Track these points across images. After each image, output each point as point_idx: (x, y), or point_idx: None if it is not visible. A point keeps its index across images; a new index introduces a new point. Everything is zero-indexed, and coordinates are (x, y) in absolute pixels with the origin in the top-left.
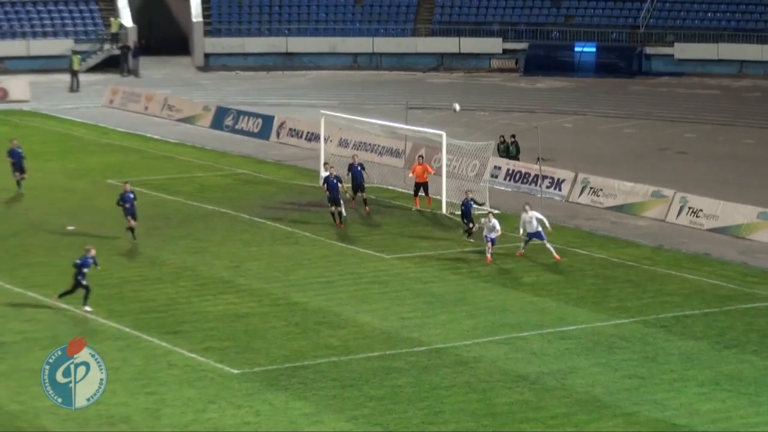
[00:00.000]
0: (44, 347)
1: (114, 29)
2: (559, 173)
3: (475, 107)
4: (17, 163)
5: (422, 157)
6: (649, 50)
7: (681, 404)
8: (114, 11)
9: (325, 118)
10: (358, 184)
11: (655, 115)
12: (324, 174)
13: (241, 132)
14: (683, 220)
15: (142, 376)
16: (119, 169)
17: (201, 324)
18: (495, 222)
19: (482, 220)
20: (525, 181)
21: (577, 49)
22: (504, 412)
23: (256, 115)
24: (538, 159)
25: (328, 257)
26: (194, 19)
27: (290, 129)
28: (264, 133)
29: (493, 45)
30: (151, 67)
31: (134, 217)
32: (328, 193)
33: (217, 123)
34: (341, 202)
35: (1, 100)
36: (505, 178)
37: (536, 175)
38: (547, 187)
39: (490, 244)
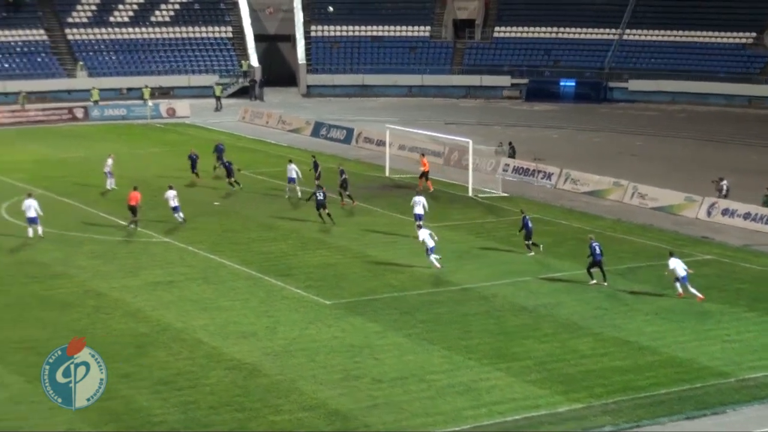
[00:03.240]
0: (199, 284)
1: (244, 68)
2: (549, 168)
3: (493, 123)
4: (229, 170)
5: (424, 155)
6: (611, 84)
7: (632, 327)
8: (245, 56)
9: (389, 130)
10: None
11: (615, 129)
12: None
13: (332, 139)
14: (634, 202)
15: (264, 304)
16: (249, 164)
17: (304, 269)
18: None
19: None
20: (526, 174)
21: (562, 83)
22: (512, 331)
23: (342, 128)
24: (535, 159)
25: (390, 225)
26: (300, 62)
27: (365, 137)
28: (347, 140)
29: (504, 80)
30: (271, 94)
31: (324, 207)
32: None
33: (315, 132)
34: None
35: (171, 116)
36: (512, 172)
37: (533, 170)
38: (541, 178)
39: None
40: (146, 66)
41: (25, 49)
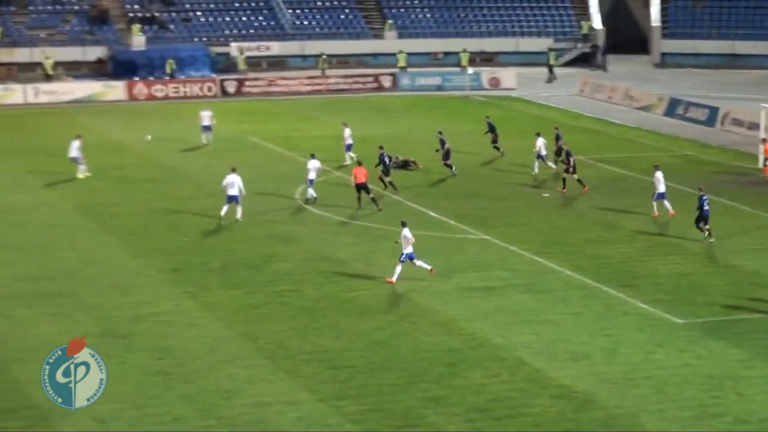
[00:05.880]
0: (522, 292)
1: (585, 31)
2: None
3: None
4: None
5: (766, 140)
6: None
7: None
8: (586, 16)
9: (765, 111)
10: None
11: None
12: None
13: (690, 120)
14: None
15: (600, 320)
16: (585, 148)
17: (652, 279)
18: None
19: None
20: None
21: None
22: None
23: (704, 106)
24: None
25: (764, 228)
26: (653, 24)
27: (733, 119)
28: (710, 122)
29: None
30: (616, 63)
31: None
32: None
33: (670, 111)
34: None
35: (494, 87)
36: None
37: None
38: None
39: None
40: (466, 26)
41: (327, 4)
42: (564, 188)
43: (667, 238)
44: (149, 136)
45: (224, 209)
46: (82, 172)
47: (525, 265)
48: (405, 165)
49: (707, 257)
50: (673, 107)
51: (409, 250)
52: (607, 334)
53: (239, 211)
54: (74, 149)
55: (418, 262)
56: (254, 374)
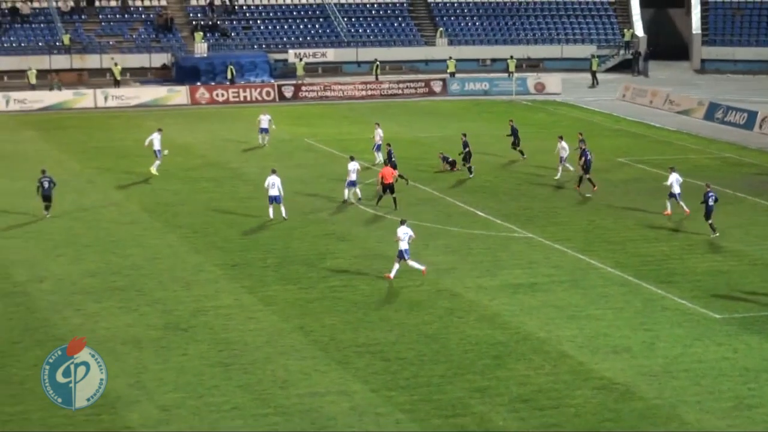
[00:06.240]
0: (566, 288)
1: (627, 38)
2: None
3: None
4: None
5: None
6: None
7: None
8: (629, 23)
9: None
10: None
11: None
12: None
13: (729, 123)
14: None
15: (640, 315)
16: (626, 150)
17: (690, 276)
18: None
19: None
20: None
21: None
22: None
23: (742, 110)
24: None
25: None
26: (694, 32)
27: None
28: (748, 125)
29: None
30: (657, 69)
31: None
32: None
33: (709, 115)
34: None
35: (540, 92)
36: None
37: None
38: None
39: None
40: (513, 33)
41: (381, 13)
42: (594, 187)
43: (705, 237)
44: (166, 151)
45: (271, 210)
46: (154, 167)
47: (568, 263)
48: (453, 165)
49: (744, 255)
50: (712, 111)
51: (404, 246)
52: (647, 329)
53: (283, 210)
54: (157, 142)
55: (396, 266)
56: (309, 365)
